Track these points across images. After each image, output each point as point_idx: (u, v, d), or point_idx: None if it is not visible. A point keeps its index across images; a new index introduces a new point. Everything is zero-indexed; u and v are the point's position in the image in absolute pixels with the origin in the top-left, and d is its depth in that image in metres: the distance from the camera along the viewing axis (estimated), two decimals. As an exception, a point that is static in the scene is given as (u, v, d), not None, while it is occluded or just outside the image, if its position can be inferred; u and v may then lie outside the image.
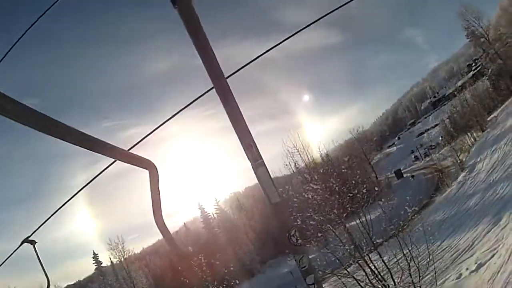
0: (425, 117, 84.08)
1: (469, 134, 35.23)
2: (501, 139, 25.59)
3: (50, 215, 2.07)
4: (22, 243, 1.75)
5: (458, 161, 30.87)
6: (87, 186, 2.01)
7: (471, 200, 20.45)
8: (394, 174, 54.02)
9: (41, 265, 1.79)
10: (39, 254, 1.77)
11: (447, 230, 19.35)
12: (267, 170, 1.52)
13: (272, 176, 1.55)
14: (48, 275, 1.82)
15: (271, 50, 2.10)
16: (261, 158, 1.51)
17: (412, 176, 46.64)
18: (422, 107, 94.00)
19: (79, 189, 2.04)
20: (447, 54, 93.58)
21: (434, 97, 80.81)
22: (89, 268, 47.61)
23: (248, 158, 1.50)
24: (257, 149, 1.50)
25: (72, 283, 53.75)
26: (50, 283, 1.83)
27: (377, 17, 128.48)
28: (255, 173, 1.52)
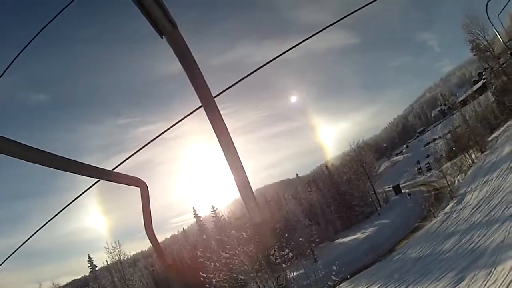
0: (434, 126, 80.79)
1: (467, 154, 32.72)
2: (495, 169, 23.85)
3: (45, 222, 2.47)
4: None
5: (450, 187, 28.76)
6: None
7: (447, 242, 18.79)
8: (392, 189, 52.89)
9: None
10: None
11: (416, 274, 17.92)
12: (252, 191, 1.56)
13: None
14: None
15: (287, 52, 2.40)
16: (247, 179, 1.55)
17: (409, 195, 45.18)
18: (432, 115, 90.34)
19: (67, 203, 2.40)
20: (461, 59, 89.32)
21: (444, 104, 77.10)
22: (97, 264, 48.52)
23: (235, 179, 1.53)
24: (243, 171, 1.54)
25: (78, 277, 55.33)
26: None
27: (392, 20, 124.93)
28: (240, 194, 1.55)
